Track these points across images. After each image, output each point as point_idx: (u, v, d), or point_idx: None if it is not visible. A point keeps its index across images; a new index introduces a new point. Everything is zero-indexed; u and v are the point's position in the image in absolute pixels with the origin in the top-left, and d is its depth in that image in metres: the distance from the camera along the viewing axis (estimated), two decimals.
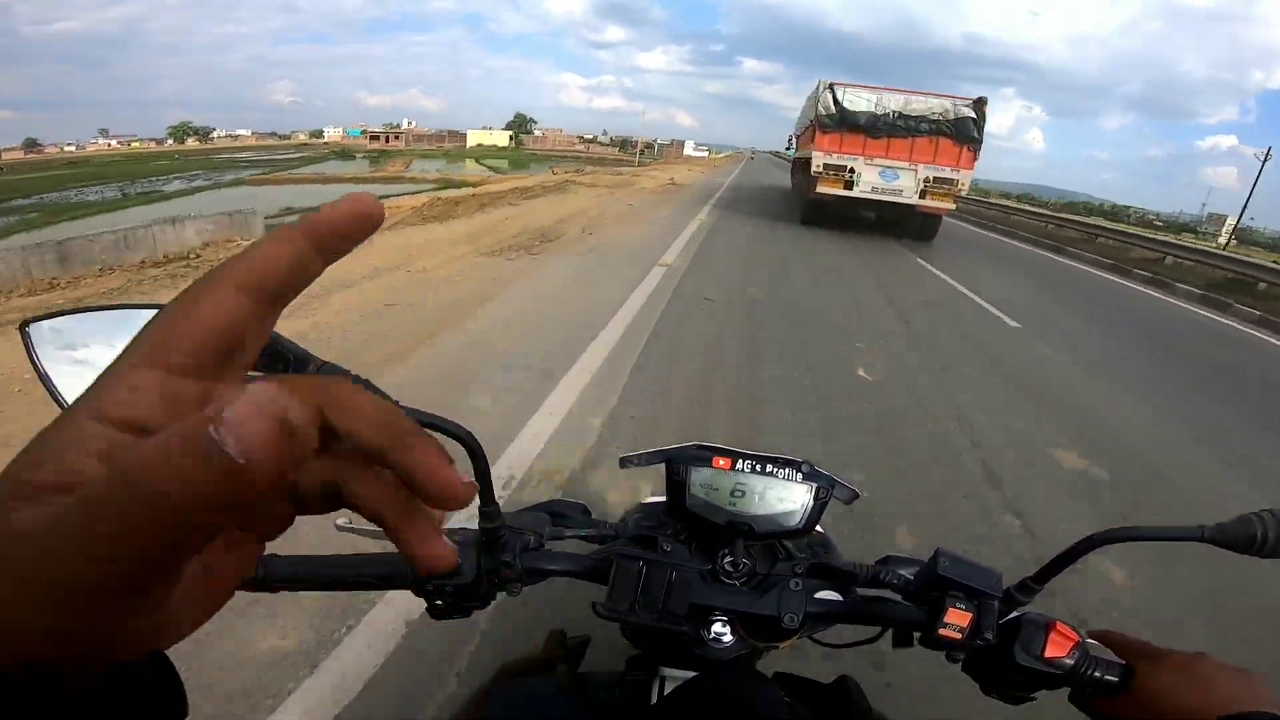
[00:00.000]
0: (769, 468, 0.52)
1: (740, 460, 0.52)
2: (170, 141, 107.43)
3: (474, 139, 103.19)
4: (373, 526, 0.19)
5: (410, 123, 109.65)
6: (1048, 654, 0.47)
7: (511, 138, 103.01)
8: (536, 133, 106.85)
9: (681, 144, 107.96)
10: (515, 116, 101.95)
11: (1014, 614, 0.49)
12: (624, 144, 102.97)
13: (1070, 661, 0.46)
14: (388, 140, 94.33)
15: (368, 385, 0.29)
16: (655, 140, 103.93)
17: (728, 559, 0.52)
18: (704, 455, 0.53)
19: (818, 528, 0.58)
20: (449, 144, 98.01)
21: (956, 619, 0.48)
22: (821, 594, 0.53)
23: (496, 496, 0.46)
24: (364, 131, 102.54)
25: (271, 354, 0.36)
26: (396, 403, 0.39)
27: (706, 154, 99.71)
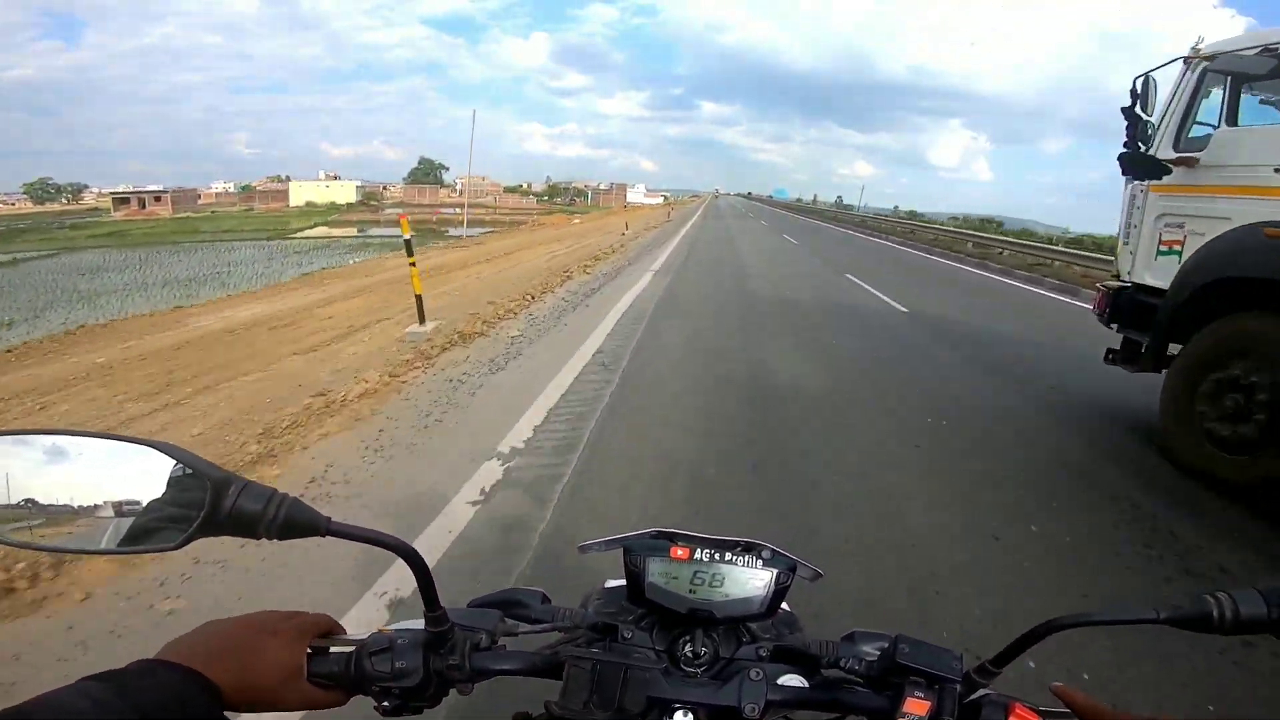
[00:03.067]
0: (728, 555, 0.57)
1: (699, 549, 0.57)
2: (23, 201, 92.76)
3: (300, 194, 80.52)
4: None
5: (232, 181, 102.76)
6: None
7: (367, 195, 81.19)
8: (455, 182, 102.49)
9: (624, 189, 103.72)
10: (420, 162, 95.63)
11: (976, 695, 0.53)
12: (554, 191, 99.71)
13: None
14: (144, 204, 69.96)
15: None
16: (587, 186, 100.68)
17: (688, 647, 0.57)
18: (661, 545, 0.57)
19: (784, 606, 0.63)
20: (273, 204, 75.67)
21: (915, 708, 0.51)
22: (785, 679, 0.57)
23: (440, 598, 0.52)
24: (114, 193, 76.12)
25: None
26: (329, 521, 0.48)
27: (663, 199, 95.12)
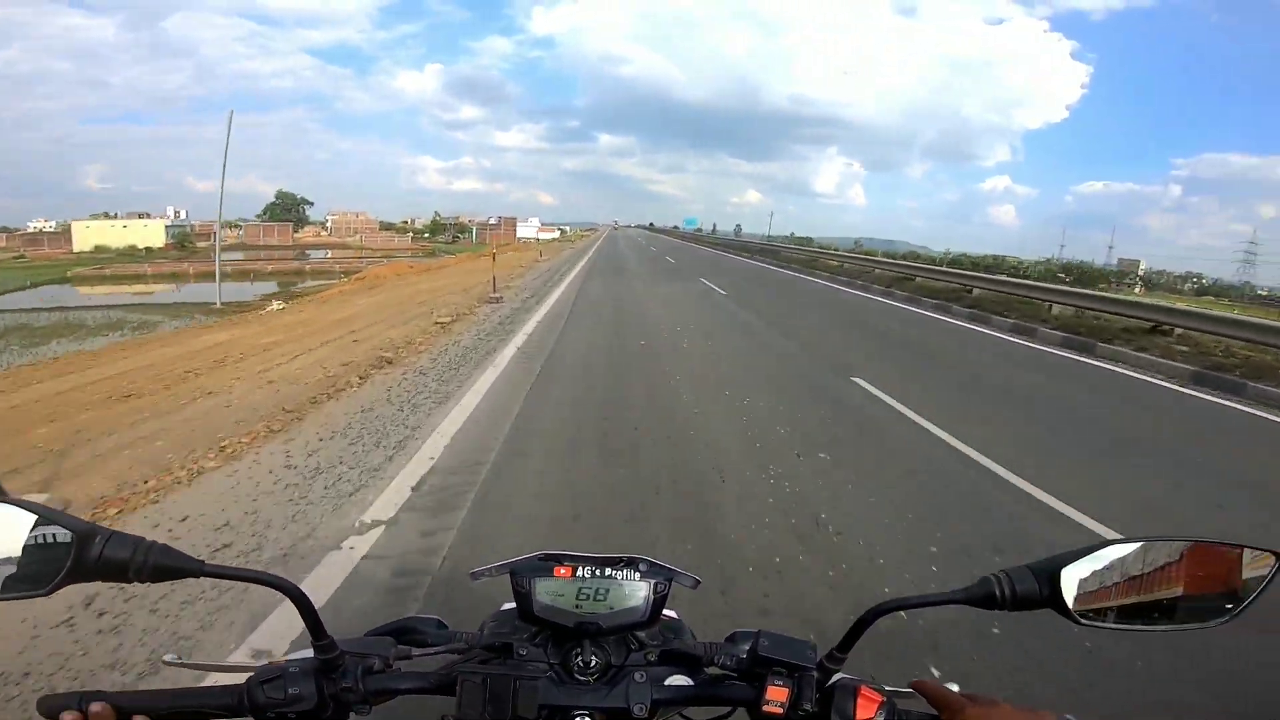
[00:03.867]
0: (608, 571, 0.64)
1: (581, 567, 0.64)
2: None
3: (86, 238, 59.99)
4: (202, 661, 0.54)
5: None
6: (858, 717, 0.58)
7: (181, 237, 62.10)
8: (325, 219, 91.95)
9: (513, 223, 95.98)
10: (279, 196, 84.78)
11: (833, 680, 0.62)
12: (436, 228, 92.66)
13: None
14: None
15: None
16: (472, 221, 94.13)
17: (579, 658, 0.63)
18: (546, 566, 0.64)
19: (670, 613, 0.75)
20: (52, 250, 56.52)
21: (775, 694, 0.60)
22: (672, 679, 0.65)
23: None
24: None
25: None
26: (202, 564, 0.53)
27: (559, 233, 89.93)
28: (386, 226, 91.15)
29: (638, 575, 0.64)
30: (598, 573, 0.64)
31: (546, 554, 0.65)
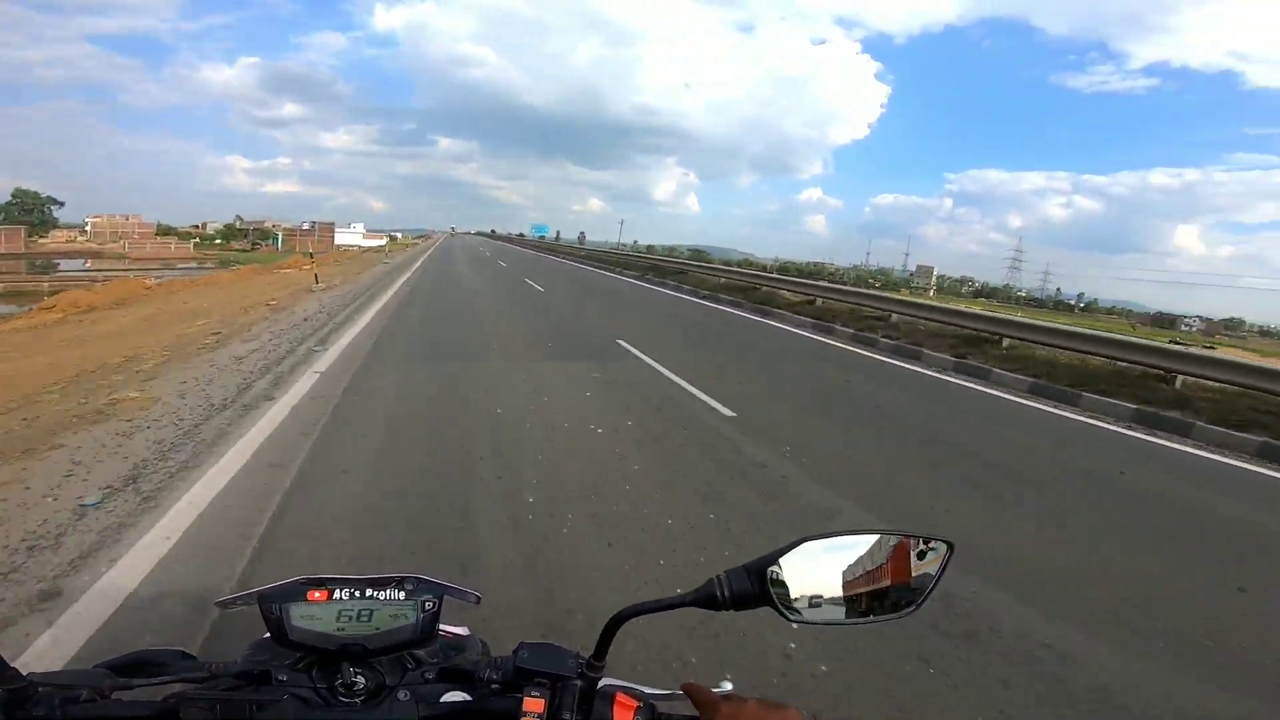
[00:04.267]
0: (370, 591, 0.63)
1: (339, 590, 0.62)
2: None
3: None
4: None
5: None
6: None
7: None
8: (85, 221, 75.74)
9: (330, 229, 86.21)
10: (15, 195, 68.72)
11: (599, 687, 0.63)
12: (231, 233, 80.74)
13: None
14: None
15: None
16: (276, 227, 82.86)
17: (339, 681, 0.62)
18: (299, 590, 0.62)
19: (457, 629, 0.80)
20: None
21: (532, 706, 0.60)
22: (449, 696, 0.64)
23: None
24: None
25: None
26: None
27: (388, 240, 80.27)
28: (166, 231, 77.01)
29: (403, 595, 0.63)
30: (357, 594, 0.63)
31: (308, 579, 0.63)
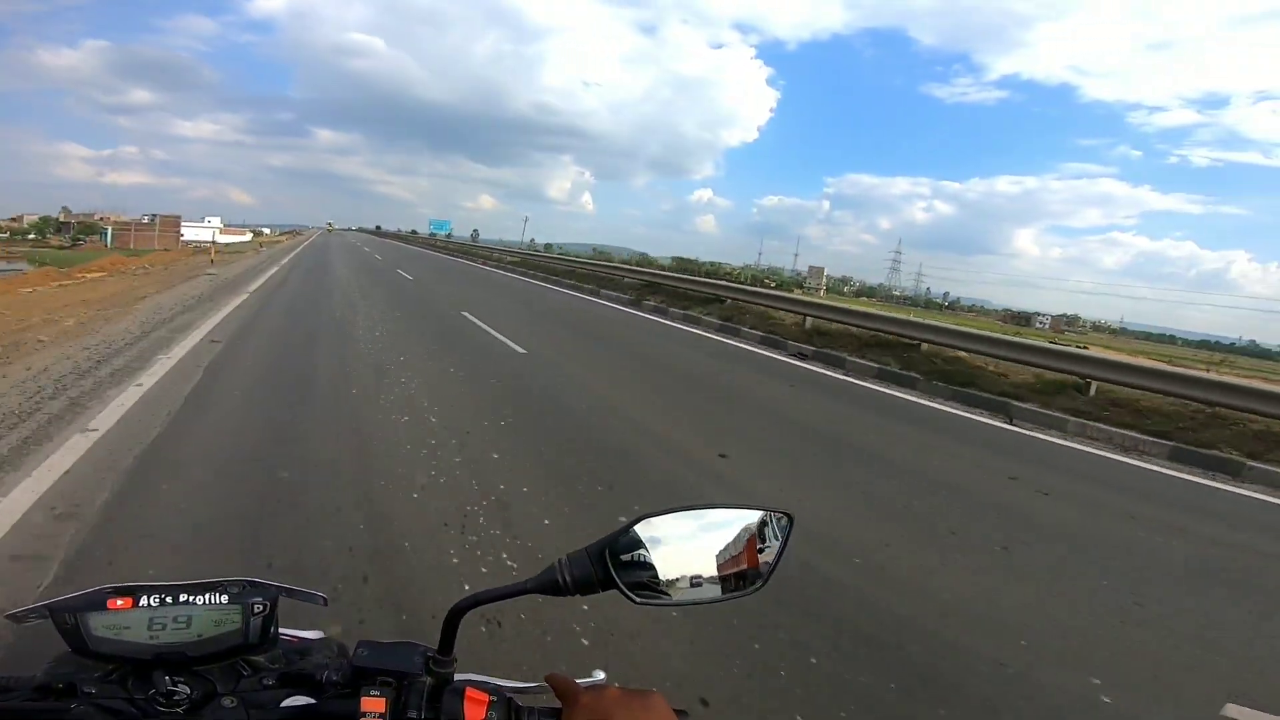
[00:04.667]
0: (184, 597, 0.58)
1: (145, 596, 0.58)
2: None
3: None
4: None
5: None
6: (468, 718, 0.58)
7: None
8: None
9: (175, 221, 72.92)
10: None
11: (452, 684, 0.61)
12: (44, 227, 68.36)
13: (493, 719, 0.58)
14: None
15: None
16: (105, 220, 70.30)
17: (154, 692, 0.57)
18: (99, 598, 0.57)
19: (306, 633, 0.77)
20: None
21: (371, 705, 0.57)
22: (289, 701, 0.60)
23: None
24: None
25: None
26: None
27: (250, 236, 70.85)
28: None
29: (225, 599, 0.60)
30: (169, 600, 0.59)
31: (116, 587, 0.59)
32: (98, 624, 0.57)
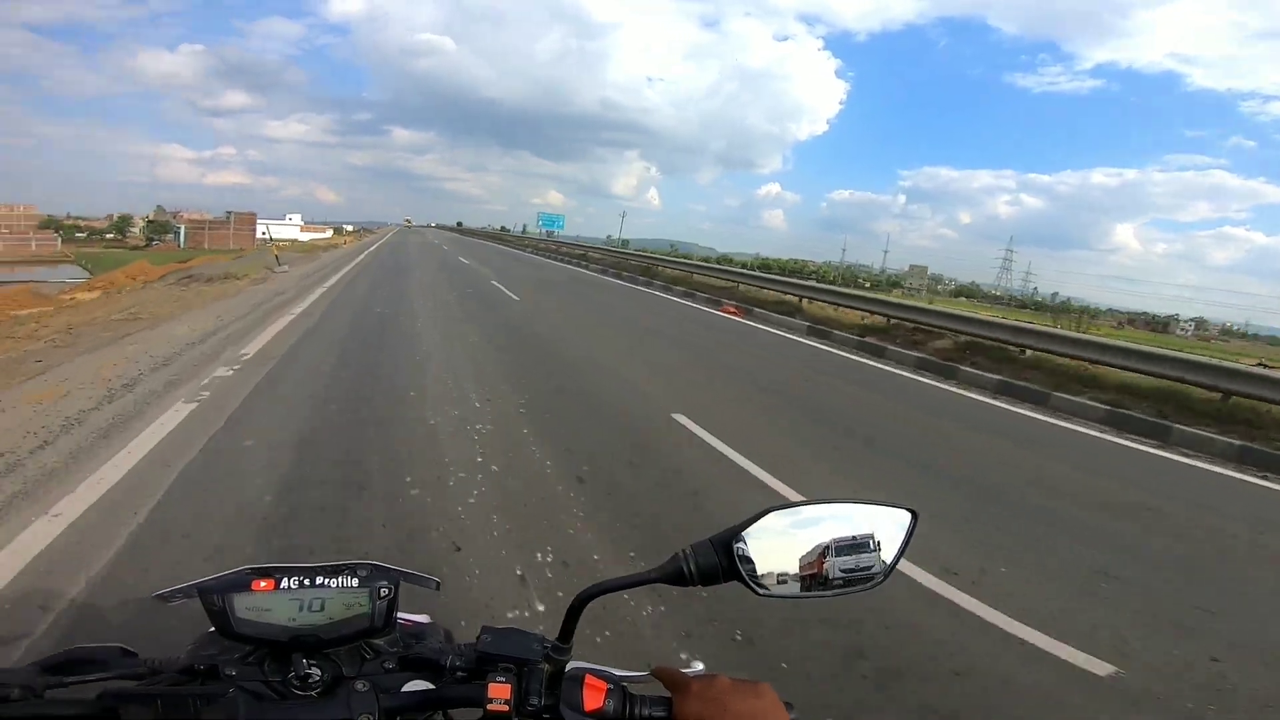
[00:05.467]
0: (320, 579, 0.60)
1: (285, 578, 0.60)
2: None
3: None
4: None
5: None
6: (588, 707, 0.60)
7: None
8: None
9: (251, 219, 71.66)
10: None
11: (568, 670, 0.62)
12: (123, 225, 69.64)
13: (610, 707, 0.60)
14: None
15: None
16: (178, 218, 70.27)
17: (293, 674, 0.60)
18: (244, 580, 0.59)
19: (418, 617, 0.79)
20: None
21: (498, 692, 0.59)
22: (412, 685, 0.62)
23: None
24: None
25: None
26: None
27: (332, 233, 68.41)
28: (48, 224, 66.69)
29: (356, 582, 0.61)
30: (307, 583, 0.60)
31: (255, 568, 0.61)
32: (241, 606, 0.58)
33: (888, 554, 0.64)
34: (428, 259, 24.64)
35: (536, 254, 34.39)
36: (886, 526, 0.64)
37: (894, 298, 18.90)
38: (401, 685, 0.62)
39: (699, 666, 0.65)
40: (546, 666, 0.61)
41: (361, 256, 22.41)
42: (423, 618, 0.80)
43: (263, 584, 0.59)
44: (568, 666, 0.62)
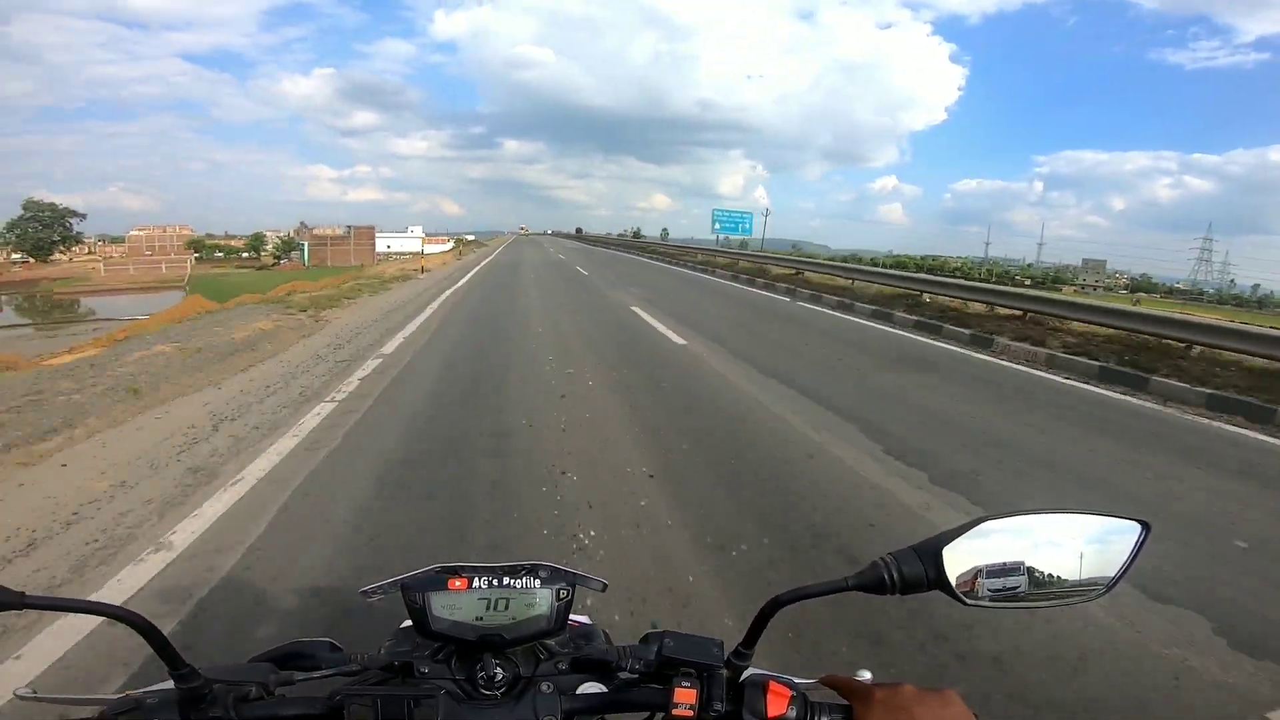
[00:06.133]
0: (506, 580, 0.64)
1: (477, 578, 0.64)
2: None
3: None
4: (58, 694, 0.46)
5: None
6: (770, 713, 0.60)
7: None
8: (95, 239, 69.64)
9: (370, 233, 69.88)
10: (27, 207, 61.02)
11: (743, 676, 0.63)
12: (257, 243, 73.85)
13: (793, 715, 0.60)
14: None
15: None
16: (304, 233, 71.26)
17: (482, 673, 0.63)
18: (440, 579, 0.64)
19: (581, 619, 0.78)
20: None
21: (683, 697, 0.60)
22: (585, 688, 0.64)
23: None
24: None
25: None
26: (22, 595, 0.52)
27: (452, 244, 69.00)
28: (193, 244, 72.20)
29: (538, 583, 0.64)
30: (495, 582, 0.64)
31: (443, 566, 0.65)
32: (437, 604, 0.62)
33: (1108, 567, 0.62)
34: (551, 275, 20.58)
35: (678, 266, 26.88)
36: (1109, 538, 0.62)
37: (1121, 304, 13.80)
38: (576, 687, 0.64)
39: (867, 675, 0.62)
40: (726, 672, 0.62)
41: (449, 294, 14.18)
42: (584, 619, 0.80)
43: (457, 583, 0.63)
44: (745, 673, 0.63)
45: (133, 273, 48.78)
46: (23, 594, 0.51)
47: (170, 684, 0.57)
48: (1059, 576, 0.60)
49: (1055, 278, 74.84)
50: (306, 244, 64.34)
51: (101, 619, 0.56)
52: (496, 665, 0.62)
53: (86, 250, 70.73)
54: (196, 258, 66.92)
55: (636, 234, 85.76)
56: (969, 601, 0.59)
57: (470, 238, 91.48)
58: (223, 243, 78.13)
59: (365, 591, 0.63)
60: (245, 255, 71.54)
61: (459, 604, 0.62)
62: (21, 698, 0.58)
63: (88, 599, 0.54)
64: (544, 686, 0.61)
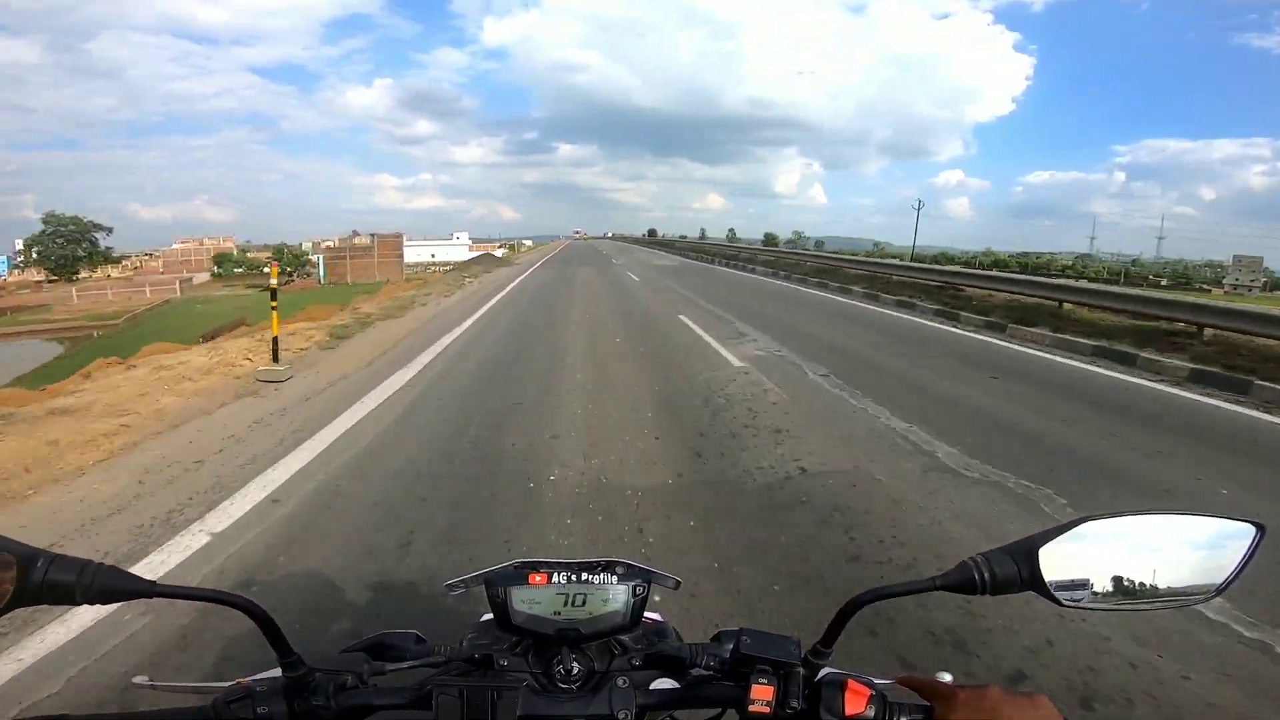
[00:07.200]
0: (584, 575, 0.66)
1: (556, 573, 0.66)
2: None
3: None
4: (172, 682, 0.54)
5: None
6: (848, 712, 0.60)
7: None
8: (123, 256, 66.87)
9: (397, 242, 58.14)
10: (47, 221, 59.75)
11: (820, 675, 0.64)
12: (279, 255, 69.37)
13: (871, 714, 0.60)
14: None
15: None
16: (319, 246, 68.03)
17: (559, 667, 0.66)
18: (521, 574, 0.66)
19: (654, 615, 0.78)
20: None
21: (760, 694, 0.61)
22: (658, 683, 0.67)
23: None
24: None
25: None
26: (153, 584, 0.56)
27: (503, 251, 65.81)
28: (219, 258, 69.43)
29: (615, 579, 0.66)
30: (574, 578, 0.66)
31: (522, 562, 0.67)
32: (518, 599, 0.65)
33: (1217, 572, 0.60)
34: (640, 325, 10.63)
35: (786, 282, 26.46)
36: (1219, 541, 0.60)
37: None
38: (649, 683, 0.66)
39: (948, 677, 0.62)
40: (803, 670, 0.63)
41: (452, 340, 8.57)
42: (657, 616, 0.81)
43: (537, 578, 0.65)
44: (821, 672, 0.64)
45: (110, 298, 43.80)
46: (153, 583, 0.55)
47: (277, 672, 0.61)
48: (1161, 579, 0.60)
49: (1185, 275, 63.82)
50: (322, 258, 57.05)
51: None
52: (573, 659, 0.65)
53: (122, 267, 69.18)
54: (215, 273, 63.80)
55: (702, 235, 79.46)
56: (1065, 602, 0.59)
57: (528, 243, 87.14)
58: (251, 256, 75.34)
59: (450, 585, 0.67)
60: (265, 270, 67.53)
61: (538, 599, 0.64)
62: (138, 686, 0.63)
63: (212, 589, 0.53)
64: (619, 681, 0.64)
